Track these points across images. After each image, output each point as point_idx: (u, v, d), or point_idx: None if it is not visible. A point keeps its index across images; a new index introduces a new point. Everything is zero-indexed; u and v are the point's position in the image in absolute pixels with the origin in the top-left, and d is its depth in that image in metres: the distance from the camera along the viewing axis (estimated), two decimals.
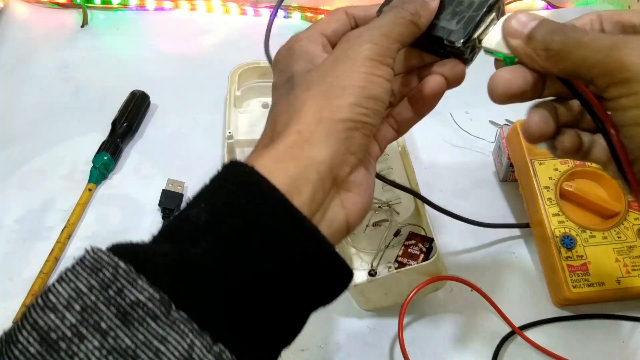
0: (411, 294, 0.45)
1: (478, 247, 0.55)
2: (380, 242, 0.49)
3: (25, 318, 0.22)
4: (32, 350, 0.21)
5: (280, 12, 0.80)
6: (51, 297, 0.22)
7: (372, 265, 0.48)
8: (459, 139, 0.64)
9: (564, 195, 0.52)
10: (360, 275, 0.49)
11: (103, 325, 0.22)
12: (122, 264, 0.23)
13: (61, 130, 0.65)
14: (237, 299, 0.24)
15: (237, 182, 0.26)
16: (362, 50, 0.29)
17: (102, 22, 0.79)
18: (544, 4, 0.85)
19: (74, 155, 0.61)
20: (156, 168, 0.61)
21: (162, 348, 0.22)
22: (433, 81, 0.33)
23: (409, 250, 0.47)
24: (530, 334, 0.48)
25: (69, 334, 0.21)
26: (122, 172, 0.61)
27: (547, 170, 0.53)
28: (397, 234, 0.50)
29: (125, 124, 0.63)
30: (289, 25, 0.79)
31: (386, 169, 0.54)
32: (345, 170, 0.29)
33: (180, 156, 0.62)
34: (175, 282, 0.23)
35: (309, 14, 0.79)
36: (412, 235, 0.49)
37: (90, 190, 0.58)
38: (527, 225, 0.54)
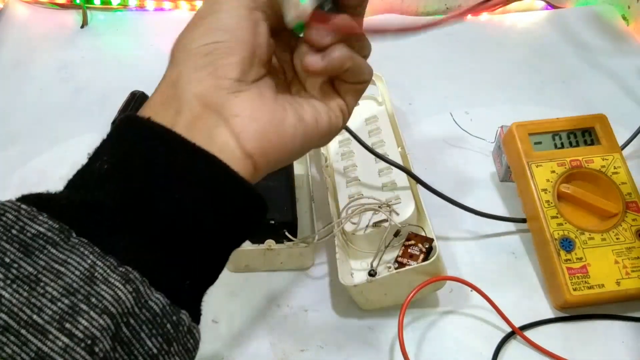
0: (411, 294, 0.45)
1: (478, 246, 0.55)
2: (380, 242, 0.49)
3: None
4: None
5: None
6: None
7: (372, 266, 0.48)
8: (459, 139, 0.64)
9: (561, 197, 0.52)
10: (360, 276, 0.50)
11: (6, 259, 0.23)
12: (24, 205, 0.24)
13: (61, 130, 0.65)
14: (142, 229, 0.25)
15: (132, 131, 0.28)
16: None
17: (102, 22, 0.79)
18: (543, 4, 0.85)
19: (74, 156, 0.61)
20: None
21: (62, 269, 0.23)
22: (308, 62, 0.31)
23: (409, 250, 0.48)
24: (530, 334, 0.48)
25: None
26: None
27: (544, 173, 0.53)
28: (397, 234, 0.50)
29: None
30: None
31: (385, 168, 0.54)
32: (219, 95, 0.29)
33: None
34: (77, 215, 0.24)
35: None
36: (412, 236, 0.49)
37: None
38: (524, 220, 0.55)
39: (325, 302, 0.51)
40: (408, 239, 0.48)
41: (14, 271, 0.22)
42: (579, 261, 0.49)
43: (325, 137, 0.34)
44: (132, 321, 0.23)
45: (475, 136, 0.63)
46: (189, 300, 0.26)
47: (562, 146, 0.55)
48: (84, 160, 0.27)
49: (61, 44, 0.75)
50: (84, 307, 0.22)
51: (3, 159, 0.62)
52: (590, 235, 0.50)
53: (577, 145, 0.55)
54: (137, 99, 0.65)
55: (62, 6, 0.80)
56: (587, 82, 0.72)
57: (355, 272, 0.50)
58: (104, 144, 0.28)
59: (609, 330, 0.49)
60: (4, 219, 0.24)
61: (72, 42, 0.75)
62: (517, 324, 0.48)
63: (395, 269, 0.46)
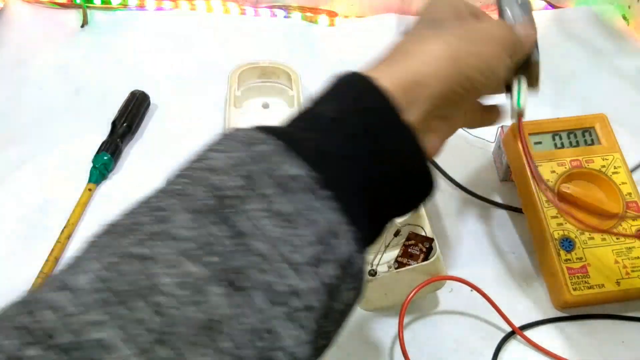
0: (411, 294, 0.45)
1: (478, 246, 0.55)
2: (380, 242, 0.49)
3: (193, 179, 0.25)
4: (210, 203, 0.23)
5: (280, 12, 0.80)
6: (212, 162, 0.25)
7: (372, 265, 0.48)
8: (459, 139, 0.63)
9: (561, 197, 0.52)
10: None
11: (265, 191, 0.24)
12: (274, 140, 0.26)
13: (61, 130, 0.65)
14: (363, 192, 0.28)
15: (360, 88, 0.30)
16: (499, 33, 0.37)
17: (102, 22, 0.79)
18: (544, 4, 0.85)
19: (74, 156, 0.61)
20: (156, 168, 0.61)
21: (316, 218, 0.24)
22: None
23: (409, 250, 0.48)
24: (530, 334, 0.48)
25: (237, 194, 0.24)
26: (122, 172, 0.61)
27: (544, 173, 0.53)
28: (397, 234, 0.50)
29: (125, 124, 0.63)
30: (289, 24, 0.79)
31: None
32: (442, 112, 0.32)
33: (180, 156, 0.62)
34: (320, 165, 0.26)
35: (308, 14, 0.79)
36: (412, 236, 0.49)
37: (90, 190, 0.58)
38: (521, 210, 0.55)
39: None
40: (408, 239, 0.48)
41: (273, 205, 0.24)
42: (579, 261, 0.49)
43: None
44: (344, 275, 0.25)
45: (475, 136, 0.63)
46: (364, 258, 0.29)
47: (562, 146, 0.55)
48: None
49: (61, 43, 0.75)
50: (328, 256, 0.24)
51: (3, 159, 0.62)
52: (590, 235, 0.50)
53: (577, 145, 0.55)
54: (137, 99, 0.65)
55: (62, 6, 0.80)
56: (587, 82, 0.72)
57: None
58: (331, 90, 0.30)
59: (609, 330, 0.49)
60: (255, 149, 0.25)
61: (72, 41, 0.75)
62: (517, 324, 0.48)
63: (395, 268, 0.46)
